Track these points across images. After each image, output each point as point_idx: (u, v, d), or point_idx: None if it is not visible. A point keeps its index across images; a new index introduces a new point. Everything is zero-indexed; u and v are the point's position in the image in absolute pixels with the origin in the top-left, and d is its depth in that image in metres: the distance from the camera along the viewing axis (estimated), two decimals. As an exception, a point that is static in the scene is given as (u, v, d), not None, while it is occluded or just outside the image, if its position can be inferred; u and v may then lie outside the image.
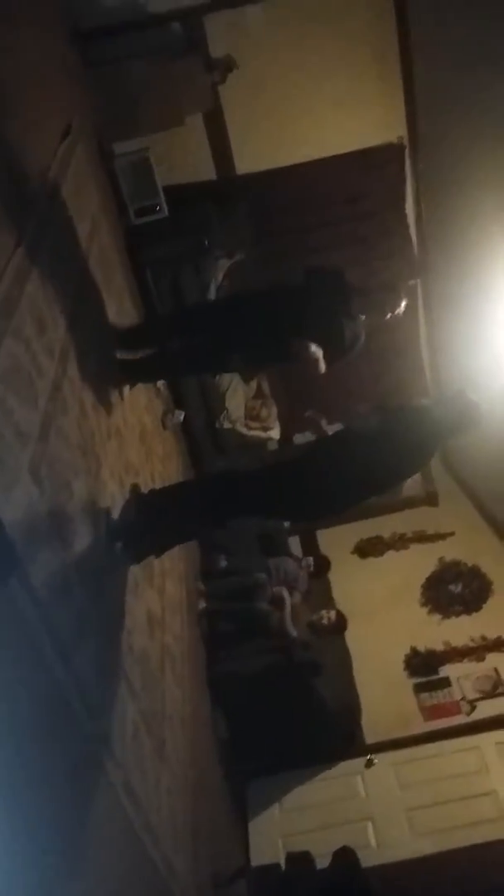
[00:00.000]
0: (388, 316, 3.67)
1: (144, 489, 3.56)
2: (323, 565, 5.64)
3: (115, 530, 2.98)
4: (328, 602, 5.55)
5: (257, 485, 3.28)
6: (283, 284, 3.78)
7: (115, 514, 3.05)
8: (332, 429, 3.32)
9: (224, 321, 3.69)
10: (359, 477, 3.07)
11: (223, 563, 5.24)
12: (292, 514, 3.95)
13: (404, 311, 3.73)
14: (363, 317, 3.60)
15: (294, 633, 4.78)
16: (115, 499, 3.10)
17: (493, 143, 4.19)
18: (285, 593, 4.99)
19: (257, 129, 5.17)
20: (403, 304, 3.67)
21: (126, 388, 3.77)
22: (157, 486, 3.92)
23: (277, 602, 4.96)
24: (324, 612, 5.16)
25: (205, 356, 3.86)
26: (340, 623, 5.14)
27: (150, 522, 3.28)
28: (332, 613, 5.16)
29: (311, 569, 5.54)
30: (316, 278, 3.62)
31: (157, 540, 3.35)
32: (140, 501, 3.35)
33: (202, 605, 4.74)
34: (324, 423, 3.30)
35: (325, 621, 5.11)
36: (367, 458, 3.04)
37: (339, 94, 5.14)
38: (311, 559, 5.65)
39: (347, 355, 3.64)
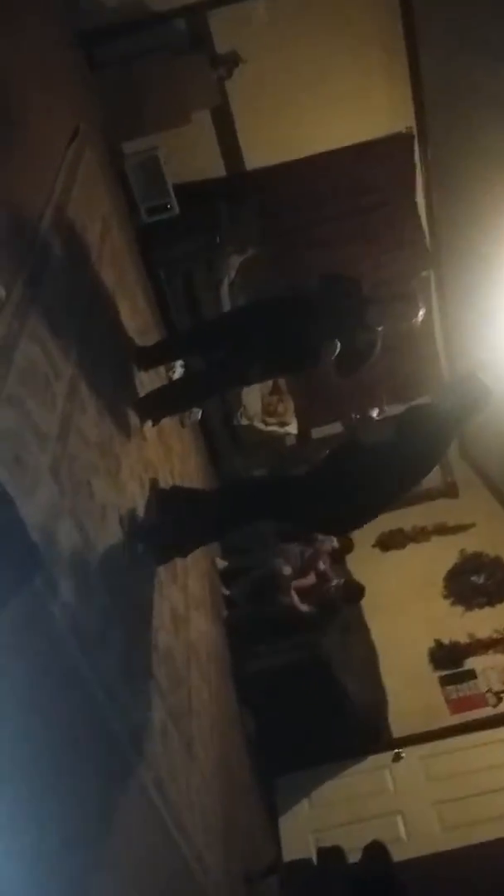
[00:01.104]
0: (406, 325, 3.60)
1: (164, 485, 3.57)
2: (346, 544, 5.48)
3: (138, 532, 2.98)
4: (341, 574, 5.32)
5: (281, 495, 3.29)
6: (298, 293, 3.73)
7: (137, 514, 3.05)
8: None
9: (241, 336, 3.61)
10: (380, 486, 3.07)
11: (222, 565, 5.11)
12: (318, 524, 3.77)
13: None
14: (380, 328, 3.54)
15: (304, 608, 4.65)
16: (135, 498, 3.11)
17: (502, 130, 4.14)
18: (284, 567, 4.78)
19: (265, 123, 5.14)
20: (421, 313, 3.59)
21: (148, 424, 3.68)
22: (178, 482, 3.92)
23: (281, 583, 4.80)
24: (334, 581, 4.98)
25: (224, 375, 3.83)
26: (351, 590, 4.94)
27: (173, 527, 3.29)
28: (340, 581, 4.97)
29: (335, 546, 5.42)
30: (331, 287, 3.58)
31: (179, 544, 3.36)
32: (162, 502, 3.35)
33: (225, 613, 4.71)
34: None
35: (332, 589, 4.93)
36: (388, 467, 3.03)
37: (345, 85, 5.09)
38: (333, 538, 5.44)
39: (362, 365, 3.60)
